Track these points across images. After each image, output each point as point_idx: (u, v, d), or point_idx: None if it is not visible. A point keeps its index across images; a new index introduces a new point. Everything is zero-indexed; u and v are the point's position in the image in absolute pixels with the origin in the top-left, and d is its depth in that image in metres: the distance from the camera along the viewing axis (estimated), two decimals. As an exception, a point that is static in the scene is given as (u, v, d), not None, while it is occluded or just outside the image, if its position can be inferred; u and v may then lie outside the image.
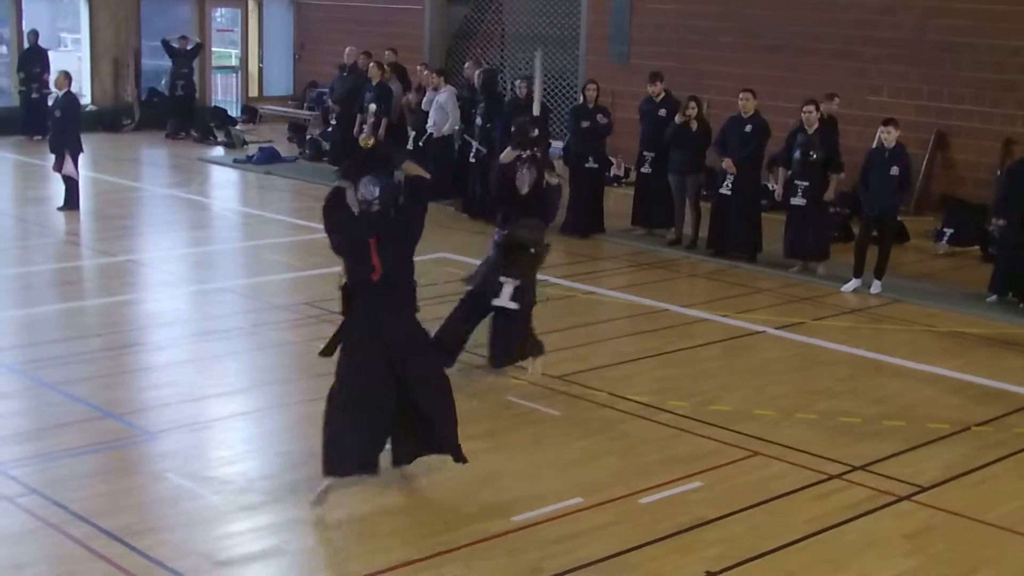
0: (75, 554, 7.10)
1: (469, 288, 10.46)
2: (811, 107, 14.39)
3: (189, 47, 24.90)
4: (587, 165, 16.21)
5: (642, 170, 16.40)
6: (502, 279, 10.19)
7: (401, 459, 8.12)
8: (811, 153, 14.28)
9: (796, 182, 14.44)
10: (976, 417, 9.96)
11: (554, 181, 10.44)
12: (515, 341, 10.38)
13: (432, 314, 12.15)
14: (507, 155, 10.51)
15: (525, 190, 10.30)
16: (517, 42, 24.43)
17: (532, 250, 10.27)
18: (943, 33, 17.97)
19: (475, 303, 10.36)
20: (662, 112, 16.13)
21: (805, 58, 19.32)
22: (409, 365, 7.78)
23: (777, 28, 19.71)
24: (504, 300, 10.16)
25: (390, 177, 7.89)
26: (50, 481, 8.03)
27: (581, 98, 16.87)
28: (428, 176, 8.14)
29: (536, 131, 10.57)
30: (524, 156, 10.34)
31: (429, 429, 8.00)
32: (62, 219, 16.56)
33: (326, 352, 7.82)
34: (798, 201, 14.43)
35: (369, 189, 7.74)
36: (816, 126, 14.37)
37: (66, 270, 14.15)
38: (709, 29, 20.55)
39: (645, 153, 16.33)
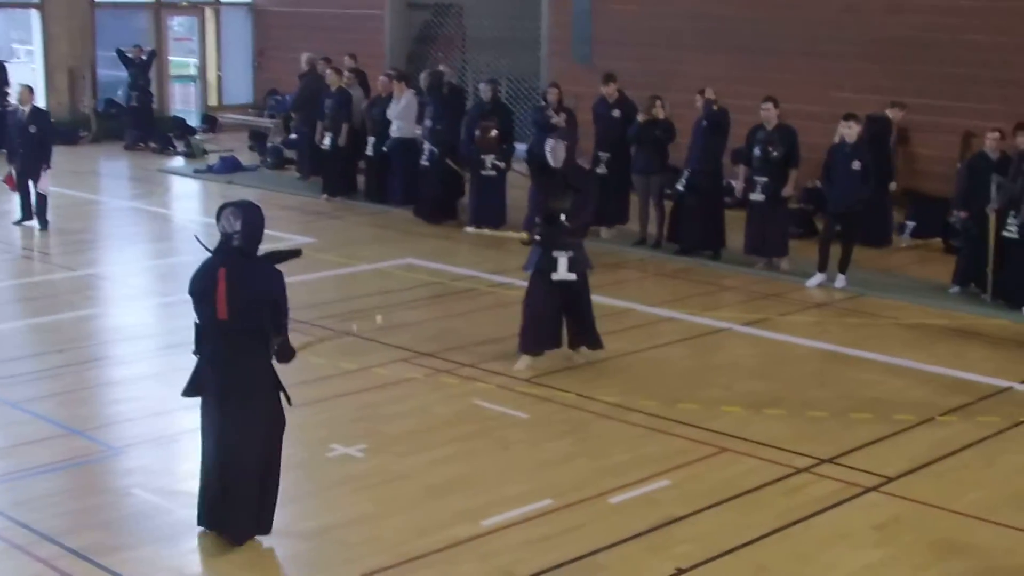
0: (42, 575, 7.10)
1: (529, 271, 10.91)
2: (769, 104, 14.57)
3: (144, 56, 24.82)
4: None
5: (597, 171, 16.50)
6: (555, 253, 10.66)
7: (203, 520, 7.56)
8: (770, 150, 14.43)
9: (755, 178, 14.60)
10: (941, 407, 10.09)
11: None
12: (593, 320, 11.03)
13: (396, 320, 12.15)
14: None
15: (557, 164, 10.73)
16: (478, 45, 24.49)
17: (565, 218, 10.63)
18: (906, 29, 18.13)
19: (545, 288, 10.77)
20: (616, 113, 16.28)
21: (768, 57, 19.44)
22: (227, 424, 7.32)
23: (740, 28, 19.81)
24: (562, 273, 10.67)
25: (256, 212, 7.31)
26: (15, 502, 8.01)
27: (543, 102, 17.02)
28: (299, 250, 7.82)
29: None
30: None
31: (221, 502, 7.42)
32: (19, 233, 16.49)
33: (187, 391, 7.54)
34: (757, 197, 14.59)
35: (230, 221, 7.20)
36: (775, 123, 14.52)
37: (27, 286, 14.10)
38: (672, 30, 20.65)
39: (600, 154, 16.44)
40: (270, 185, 20.32)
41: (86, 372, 10.85)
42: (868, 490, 8.37)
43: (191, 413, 9.65)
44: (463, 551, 7.41)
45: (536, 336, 10.91)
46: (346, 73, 19.84)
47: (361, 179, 19.49)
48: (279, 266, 7.39)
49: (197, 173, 21.66)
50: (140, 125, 24.55)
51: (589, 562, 7.31)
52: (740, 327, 12.39)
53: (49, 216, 16.79)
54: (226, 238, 7.21)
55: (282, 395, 7.43)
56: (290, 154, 22.05)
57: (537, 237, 10.77)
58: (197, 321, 7.35)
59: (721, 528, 7.77)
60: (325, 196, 19.17)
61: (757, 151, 14.59)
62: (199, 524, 7.53)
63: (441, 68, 19.07)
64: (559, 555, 7.35)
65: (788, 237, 14.97)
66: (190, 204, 20.15)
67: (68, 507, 7.96)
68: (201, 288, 7.25)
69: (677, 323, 12.57)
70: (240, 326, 7.17)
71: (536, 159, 11.61)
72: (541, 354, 10.92)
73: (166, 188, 20.88)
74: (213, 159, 22.48)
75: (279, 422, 7.50)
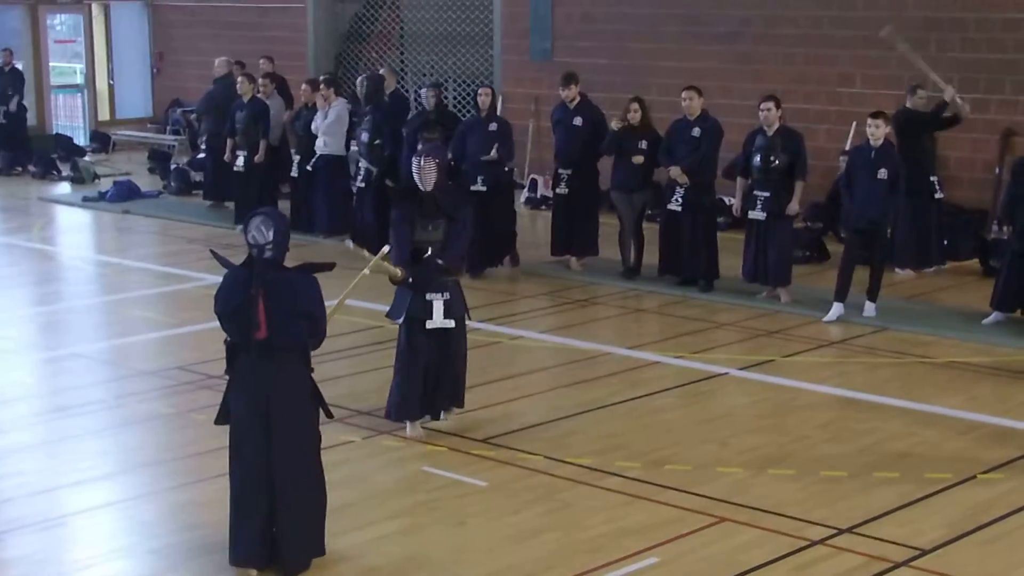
0: None
1: (398, 321, 10.58)
2: (770, 104, 14.59)
3: (15, 65, 24.70)
4: (473, 188, 15.87)
5: (558, 190, 16.48)
6: (428, 296, 10.44)
7: (241, 558, 8.16)
8: (771, 159, 14.46)
9: (755, 192, 14.63)
10: (984, 463, 10.08)
11: None
12: (463, 377, 10.83)
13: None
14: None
15: (427, 187, 10.44)
16: (419, 43, 24.55)
17: (433, 254, 10.42)
18: (925, 8, 18.22)
19: (418, 339, 10.49)
20: (577, 121, 16.28)
21: (762, 46, 19.55)
22: (276, 445, 7.93)
23: (728, 12, 19.93)
24: (438, 320, 10.48)
25: (285, 219, 8.14)
26: None
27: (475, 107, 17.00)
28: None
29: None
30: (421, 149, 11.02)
31: (279, 531, 8.04)
32: None
33: (220, 420, 8.14)
34: (757, 215, 14.63)
35: (261, 232, 7.87)
36: (776, 126, 14.56)
37: None
38: (648, 17, 20.75)
39: (561, 171, 16.47)
40: (174, 214, 20.26)
41: (-47, 444, 10.74)
42: (898, 565, 8.35)
43: (84, 490, 9.64)
44: (412, 649, 7.38)
45: (413, 398, 10.63)
46: (260, 79, 19.73)
47: (283, 205, 19.42)
48: None
49: (86, 201, 21.55)
50: (10, 146, 24.38)
51: (564, 659, 7.28)
52: (738, 371, 12.41)
53: None
54: (258, 250, 7.86)
55: (321, 409, 8.19)
56: (198, 176, 21.96)
57: (411, 280, 10.41)
58: (228, 340, 7.99)
59: (722, 613, 7.75)
60: (241, 228, 19.07)
61: (757, 160, 14.63)
62: (233, 563, 8.02)
63: (381, 72, 19.08)
64: (528, 651, 7.33)
65: (791, 263, 14.99)
66: (78, 239, 20.04)
67: (-68, 609, 7.87)
68: (232, 306, 7.90)
69: (663, 368, 12.57)
70: (281, 343, 7.84)
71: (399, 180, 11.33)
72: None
73: (48, 220, 20.75)
74: (105, 184, 22.40)
75: (318, 438, 8.24)
